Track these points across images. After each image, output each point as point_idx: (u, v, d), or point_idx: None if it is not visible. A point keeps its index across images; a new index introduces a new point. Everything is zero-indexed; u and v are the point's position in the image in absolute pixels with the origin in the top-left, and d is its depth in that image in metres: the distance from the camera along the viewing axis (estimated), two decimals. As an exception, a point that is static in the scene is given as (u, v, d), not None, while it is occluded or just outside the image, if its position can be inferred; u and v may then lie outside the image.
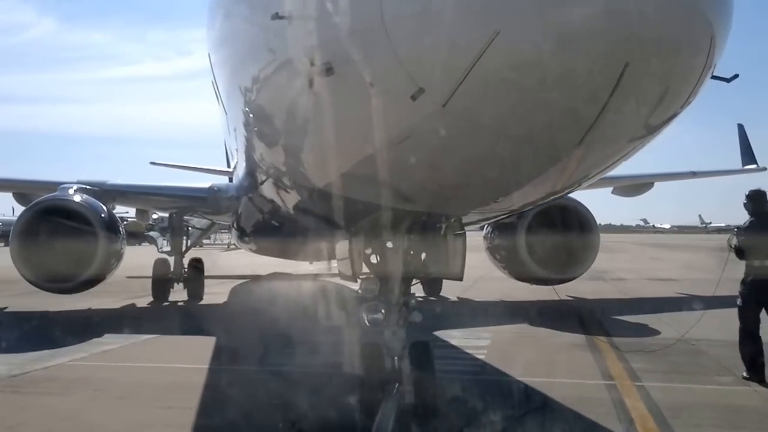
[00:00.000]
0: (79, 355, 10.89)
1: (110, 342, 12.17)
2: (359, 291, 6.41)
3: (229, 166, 18.30)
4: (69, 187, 16.64)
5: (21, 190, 19.77)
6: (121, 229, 16.36)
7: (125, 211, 27.73)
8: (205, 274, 21.24)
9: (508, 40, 3.13)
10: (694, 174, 25.52)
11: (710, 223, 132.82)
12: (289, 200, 7.67)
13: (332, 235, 7.27)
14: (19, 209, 18.06)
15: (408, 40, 3.42)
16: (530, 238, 15.90)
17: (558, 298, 15.53)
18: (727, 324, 9.86)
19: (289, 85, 4.61)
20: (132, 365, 10.59)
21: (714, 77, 3.54)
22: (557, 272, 15.92)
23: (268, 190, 8.21)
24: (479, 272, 20.58)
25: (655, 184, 23.20)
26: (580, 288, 19.35)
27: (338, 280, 8.83)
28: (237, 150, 8.67)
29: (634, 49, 3.13)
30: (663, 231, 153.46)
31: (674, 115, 3.74)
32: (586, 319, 15.27)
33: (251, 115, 5.86)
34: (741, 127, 25.62)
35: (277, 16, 4.00)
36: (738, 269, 9.49)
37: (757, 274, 9.13)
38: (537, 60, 3.21)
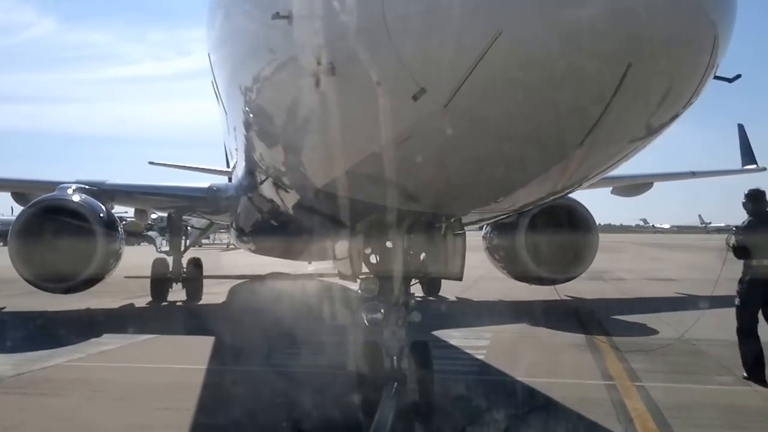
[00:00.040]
0: (76, 356, 10.83)
1: (108, 342, 12.12)
2: (359, 291, 6.41)
3: (228, 165, 18.28)
4: (68, 187, 16.61)
5: (19, 189, 19.73)
6: (119, 228, 16.37)
7: (124, 211, 27.72)
8: (205, 274, 21.17)
9: (510, 40, 3.12)
10: (693, 174, 25.54)
11: (710, 223, 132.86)
12: (289, 200, 7.66)
13: (332, 235, 7.26)
14: (18, 209, 18.06)
15: (410, 40, 3.42)
16: (529, 238, 15.90)
17: (558, 298, 15.54)
18: (726, 324, 9.83)
19: (290, 84, 4.62)
20: (130, 366, 10.55)
21: (716, 77, 3.53)
22: (556, 272, 15.93)
23: (267, 189, 8.21)
24: (479, 272, 20.56)
25: (655, 184, 23.22)
26: (580, 288, 19.33)
27: (338, 280, 8.81)
28: (236, 149, 8.66)
29: (638, 49, 3.12)
30: (663, 231, 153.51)
31: (676, 115, 3.73)
32: (586, 318, 15.24)
33: (251, 115, 5.86)
34: (741, 127, 25.67)
35: (278, 16, 4.00)
36: (738, 269, 9.46)
37: (756, 273, 9.11)
38: (539, 60, 3.20)
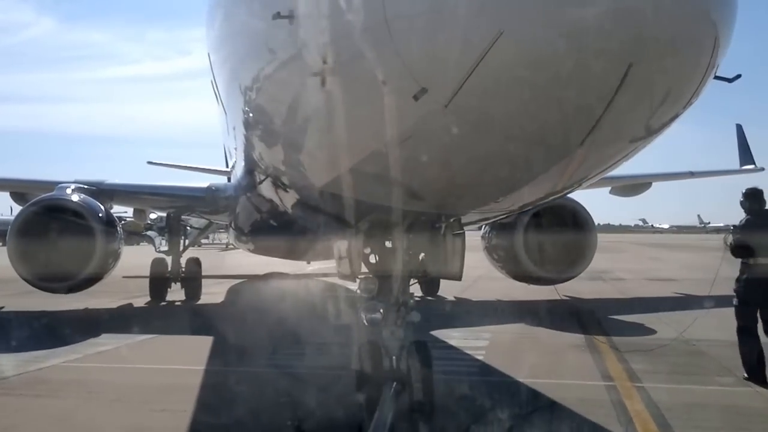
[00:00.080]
0: (73, 356, 10.79)
1: (105, 343, 12.08)
2: (358, 290, 6.40)
3: (227, 165, 18.29)
4: (67, 187, 16.66)
5: (18, 189, 19.74)
6: (118, 228, 16.41)
7: (124, 211, 27.75)
8: (204, 273, 21.17)
9: (511, 40, 3.11)
10: (692, 174, 25.57)
11: (709, 223, 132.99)
12: (288, 199, 7.65)
13: (331, 235, 7.25)
14: (17, 209, 18.07)
15: (411, 40, 3.41)
16: (528, 238, 15.96)
17: (557, 298, 15.55)
18: (726, 324, 9.82)
19: (291, 84, 4.62)
20: (127, 366, 10.52)
21: (717, 77, 3.52)
22: (555, 272, 15.99)
23: (266, 189, 8.20)
24: (478, 272, 20.56)
25: (654, 184, 23.24)
26: (580, 288, 19.35)
27: (336, 280, 8.81)
28: (236, 149, 8.65)
29: (639, 49, 3.11)
30: (662, 231, 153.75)
31: (677, 115, 3.72)
32: (584, 318, 15.20)
33: (251, 115, 5.86)
34: (739, 128, 25.75)
35: (278, 16, 3.98)
36: (736, 268, 9.45)
37: (754, 272, 9.09)
38: (540, 60, 3.19)
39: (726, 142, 26.38)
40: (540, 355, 11.07)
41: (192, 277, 20.02)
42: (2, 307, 16.97)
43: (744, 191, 9.48)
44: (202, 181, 18.86)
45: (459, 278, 6.20)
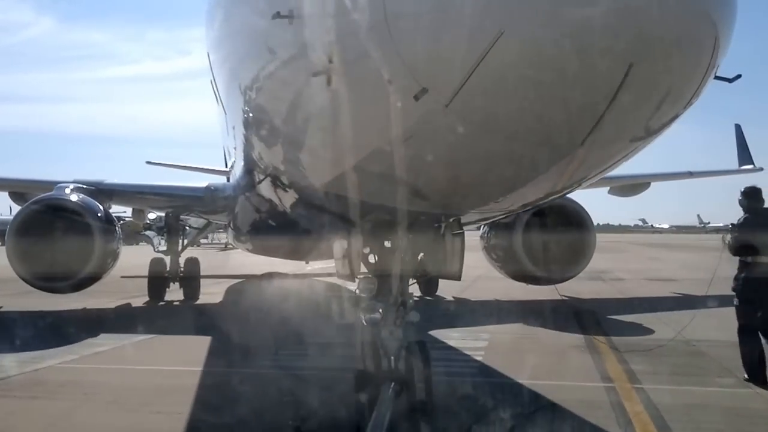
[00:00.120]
0: (70, 357, 10.76)
1: (103, 343, 12.04)
2: (357, 290, 6.39)
3: (226, 165, 18.30)
4: (65, 187, 16.68)
5: (17, 189, 19.75)
6: (117, 228, 16.43)
7: (123, 211, 27.75)
8: (202, 273, 21.14)
9: (512, 40, 3.09)
10: (690, 174, 25.61)
11: (709, 222, 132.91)
12: (287, 199, 7.64)
13: (330, 235, 7.24)
14: (16, 209, 18.05)
15: (411, 40, 3.39)
16: (527, 238, 15.98)
17: (556, 298, 15.55)
18: (726, 324, 9.81)
19: (291, 84, 4.61)
20: (124, 367, 10.47)
21: (717, 77, 3.51)
22: (554, 272, 15.98)
23: (265, 189, 8.19)
24: (478, 272, 20.55)
25: (653, 184, 23.26)
26: (579, 288, 19.37)
27: (335, 280, 8.79)
28: (235, 149, 8.65)
29: (640, 49, 3.10)
30: (661, 231, 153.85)
31: (677, 115, 3.70)
32: (583, 318, 15.19)
33: (250, 114, 5.85)
34: (738, 128, 25.80)
35: (278, 15, 3.97)
36: (736, 267, 9.43)
37: (754, 271, 9.07)
38: (541, 60, 3.17)
39: (726, 142, 26.37)
40: (539, 355, 11.06)
41: (190, 277, 20.02)
42: (0, 307, 16.95)
43: (743, 190, 9.49)
44: (201, 181, 18.84)
45: (458, 278, 6.20)
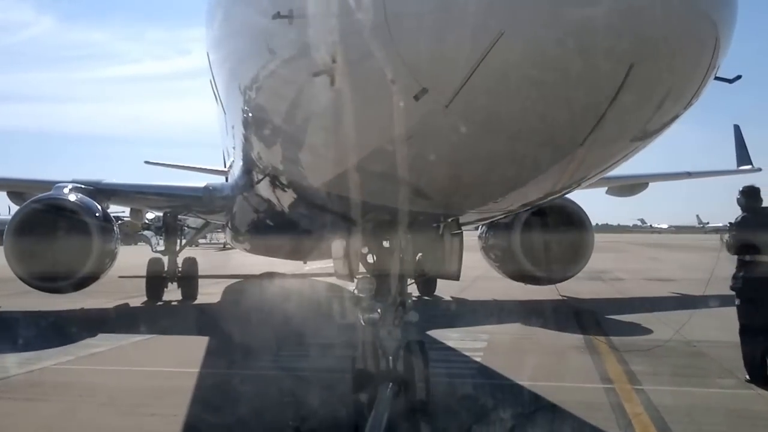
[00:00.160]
0: (65, 359, 10.67)
1: (99, 344, 11.97)
2: (355, 290, 6.38)
3: (225, 165, 18.29)
4: (64, 186, 16.68)
5: (16, 189, 19.78)
6: (115, 228, 16.46)
7: (121, 211, 27.73)
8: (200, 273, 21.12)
9: (512, 41, 3.10)
10: (689, 174, 25.66)
11: (708, 223, 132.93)
12: (286, 199, 7.64)
13: (328, 235, 7.23)
14: (15, 209, 18.03)
15: (412, 40, 3.40)
16: (525, 238, 16.06)
17: (555, 297, 15.55)
18: (727, 324, 9.78)
19: (290, 84, 4.64)
20: (119, 369, 10.39)
21: (717, 78, 3.52)
22: (552, 272, 16.12)
23: (264, 188, 8.18)
24: (477, 272, 20.53)
25: (652, 184, 23.27)
26: (579, 288, 19.38)
27: (332, 280, 8.76)
28: (234, 148, 8.65)
29: (640, 49, 3.11)
30: (660, 231, 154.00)
31: (677, 116, 3.72)
32: (582, 318, 15.17)
33: (250, 114, 5.87)
34: (737, 128, 25.87)
35: (278, 15, 3.97)
36: (734, 266, 9.40)
37: (751, 270, 9.04)
38: (541, 61, 3.18)
39: (727, 141, 26.36)
40: (539, 356, 11.01)
41: (189, 277, 20.03)
42: (-1, 307, 16.92)
43: (741, 189, 9.49)
44: (200, 181, 18.83)
45: (457, 278, 6.25)
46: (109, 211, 17.79)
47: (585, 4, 3.03)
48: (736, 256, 9.30)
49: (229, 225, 16.35)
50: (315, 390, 8.01)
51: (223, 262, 30.75)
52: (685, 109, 3.64)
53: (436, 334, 12.47)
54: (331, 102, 4.12)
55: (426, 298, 18.60)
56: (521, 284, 17.30)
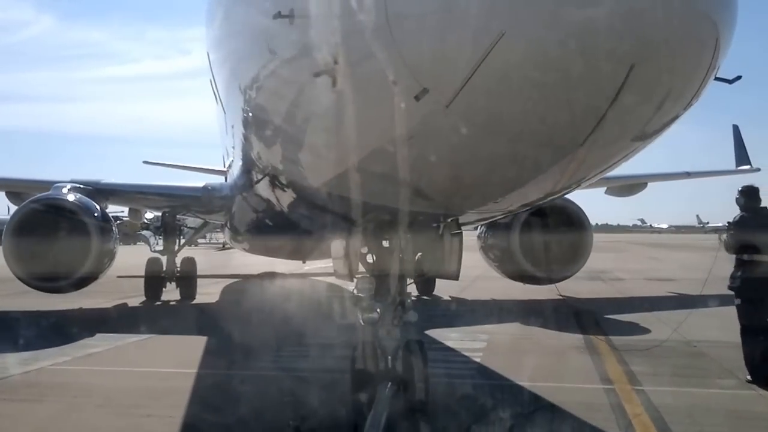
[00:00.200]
0: (62, 359, 10.61)
1: (97, 344, 11.93)
2: (355, 290, 6.37)
3: (225, 165, 18.29)
4: (63, 186, 16.71)
5: (14, 189, 19.79)
6: (114, 228, 16.46)
7: (120, 211, 27.72)
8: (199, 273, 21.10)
9: (513, 42, 3.10)
10: (688, 174, 25.69)
11: (708, 222, 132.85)
12: (285, 199, 7.63)
13: (328, 234, 7.23)
14: (14, 209, 18.01)
15: (413, 40, 3.40)
16: (524, 238, 16.14)
17: (554, 297, 15.53)
18: (727, 324, 9.76)
19: (291, 84, 4.63)
20: (116, 369, 10.33)
21: (717, 79, 3.53)
22: (551, 271, 16.20)
23: (263, 188, 8.18)
24: (476, 272, 20.52)
25: (651, 184, 23.28)
26: (578, 288, 19.39)
27: (331, 280, 8.74)
28: (233, 148, 8.65)
29: (640, 50, 3.11)
30: (660, 231, 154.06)
31: (677, 117, 3.72)
32: (582, 318, 15.17)
33: (250, 114, 5.88)
34: (736, 128, 25.92)
35: (279, 15, 3.97)
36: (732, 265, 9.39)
37: (751, 270, 9.02)
38: (542, 61, 3.18)
39: (727, 141, 26.36)
40: (538, 356, 10.99)
41: (187, 277, 20.02)
42: (-4, 307, 16.89)
43: (740, 189, 9.51)
44: (199, 181, 18.83)
45: (456, 278, 6.27)
46: (107, 210, 17.76)
47: (586, 5, 3.04)
48: (734, 256, 9.29)
49: (228, 225, 16.35)
50: (314, 390, 7.99)
51: (223, 261, 30.75)
52: (685, 109, 3.65)
53: (435, 333, 12.47)
54: (332, 102, 4.11)
55: (425, 297, 18.60)
56: (520, 284, 17.31)
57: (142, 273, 19.71)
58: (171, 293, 19.44)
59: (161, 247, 20.81)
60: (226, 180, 16.29)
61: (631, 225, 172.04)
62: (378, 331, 6.19)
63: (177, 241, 20.90)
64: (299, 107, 4.78)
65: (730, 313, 9.43)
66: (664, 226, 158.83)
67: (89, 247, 14.87)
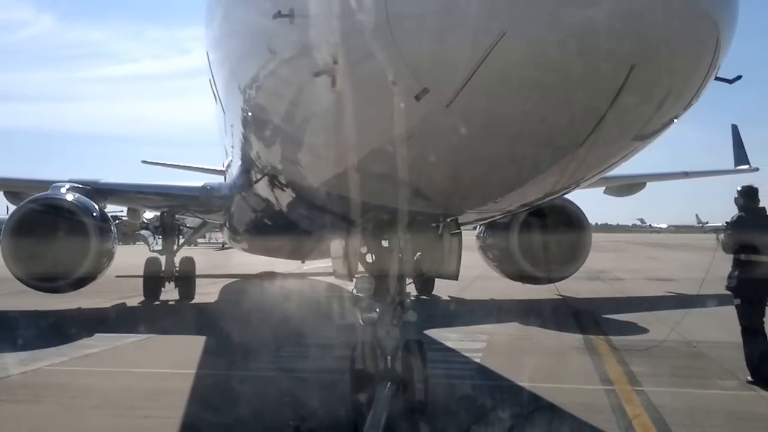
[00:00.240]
0: (60, 359, 10.57)
1: (95, 344, 11.89)
2: (354, 290, 6.36)
3: (224, 165, 18.27)
4: (61, 186, 16.71)
5: (13, 188, 19.81)
6: (112, 228, 16.48)
7: (119, 210, 27.70)
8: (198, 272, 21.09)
9: (514, 41, 3.10)
10: (686, 174, 25.72)
11: (707, 222, 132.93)
12: (284, 198, 7.63)
13: (327, 234, 7.22)
14: (12, 209, 17.99)
15: (413, 40, 3.39)
16: (523, 237, 16.17)
17: (553, 297, 15.54)
18: (728, 324, 9.73)
19: (290, 84, 4.63)
20: (113, 370, 10.26)
21: (717, 78, 3.53)
22: (550, 271, 16.23)
23: (262, 188, 8.18)
24: (476, 272, 20.50)
25: (650, 183, 23.29)
26: (578, 287, 19.42)
27: (330, 280, 8.72)
28: (233, 148, 8.65)
29: (642, 50, 3.11)
30: (660, 231, 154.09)
31: (677, 117, 3.72)
32: (581, 318, 15.15)
33: (249, 114, 5.88)
34: (735, 128, 25.93)
35: (279, 15, 3.96)
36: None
37: (750, 270, 9.00)
38: (543, 61, 3.18)
39: (727, 141, 26.35)
40: (538, 356, 10.95)
41: (186, 277, 20.01)
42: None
43: (739, 188, 9.50)
44: (199, 181, 18.81)
45: (456, 278, 6.28)
46: (106, 210, 17.75)
47: (586, 6, 3.03)
48: (732, 256, 9.27)
49: (227, 224, 16.37)
50: (314, 390, 7.98)
51: (222, 261, 30.73)
52: (685, 109, 3.65)
53: (434, 333, 12.46)
54: (332, 102, 4.10)
55: (424, 297, 18.57)
56: (519, 284, 17.33)
57: (141, 273, 19.69)
58: (170, 293, 19.41)
59: (160, 247, 20.76)
60: (225, 180, 16.26)
61: (630, 225, 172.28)
62: (377, 331, 6.19)
63: (176, 240, 20.88)
64: (299, 107, 4.78)
65: (730, 313, 9.41)
66: (664, 225, 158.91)
67: (88, 247, 14.87)
